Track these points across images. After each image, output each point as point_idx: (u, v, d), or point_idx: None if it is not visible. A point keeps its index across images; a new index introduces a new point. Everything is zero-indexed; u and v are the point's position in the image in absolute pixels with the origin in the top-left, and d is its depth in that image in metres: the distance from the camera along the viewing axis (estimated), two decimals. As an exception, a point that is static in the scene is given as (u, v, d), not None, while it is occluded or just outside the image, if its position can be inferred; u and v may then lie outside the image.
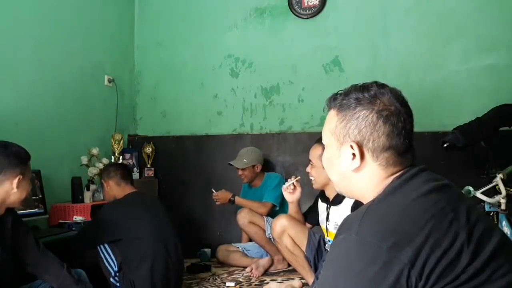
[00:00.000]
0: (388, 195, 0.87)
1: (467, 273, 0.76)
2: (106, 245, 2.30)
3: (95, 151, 3.03)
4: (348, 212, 2.06)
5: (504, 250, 0.81)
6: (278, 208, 3.13)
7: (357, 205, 1.81)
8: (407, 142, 0.91)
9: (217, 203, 3.20)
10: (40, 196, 2.58)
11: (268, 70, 3.58)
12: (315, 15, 3.47)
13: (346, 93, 0.95)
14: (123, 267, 2.26)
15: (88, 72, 3.36)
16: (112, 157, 3.36)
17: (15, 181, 1.65)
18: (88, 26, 3.35)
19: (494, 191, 2.19)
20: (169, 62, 3.86)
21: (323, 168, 1.04)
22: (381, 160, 0.91)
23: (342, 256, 0.82)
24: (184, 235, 2.54)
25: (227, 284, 2.72)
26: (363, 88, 0.93)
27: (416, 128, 0.95)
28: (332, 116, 0.96)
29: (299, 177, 2.44)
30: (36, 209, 2.54)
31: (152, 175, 3.70)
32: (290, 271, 2.95)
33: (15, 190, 1.66)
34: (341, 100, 0.95)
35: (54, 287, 1.82)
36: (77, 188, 2.92)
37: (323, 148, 1.02)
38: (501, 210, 2.14)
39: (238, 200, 3.18)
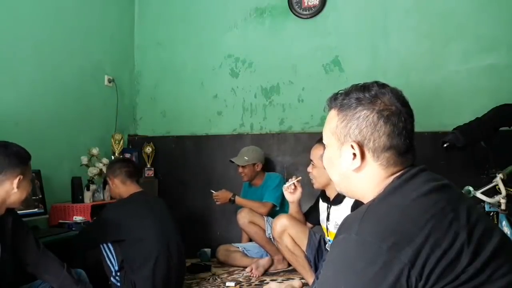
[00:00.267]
0: (388, 195, 0.87)
1: (467, 273, 0.76)
2: (109, 244, 2.29)
3: (95, 151, 3.03)
4: (349, 212, 2.06)
5: (504, 250, 0.81)
6: (278, 208, 3.13)
7: (357, 205, 1.81)
8: (408, 142, 0.91)
9: (217, 203, 3.20)
10: (40, 196, 2.58)
11: (268, 70, 3.58)
12: (315, 15, 3.48)
13: (347, 93, 0.95)
14: (125, 267, 2.26)
15: (88, 72, 3.36)
16: (112, 157, 3.36)
17: (16, 181, 1.65)
18: (88, 26, 3.35)
19: (494, 191, 2.19)
20: (169, 62, 3.86)
21: (324, 168, 1.04)
22: (381, 160, 0.91)
23: (342, 256, 0.82)
24: (184, 235, 2.53)
25: (227, 284, 2.72)
26: (364, 88, 0.93)
27: (416, 128, 0.95)
28: (333, 116, 0.96)
29: (300, 177, 2.44)
30: (36, 209, 2.53)
31: (152, 175, 3.70)
32: (290, 271, 2.95)
33: (15, 190, 1.66)
34: (342, 100, 0.95)
35: (54, 287, 1.82)
36: (77, 188, 2.92)
37: (324, 148, 1.02)
38: (501, 210, 2.14)
39: (239, 200, 3.17)
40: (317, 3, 3.46)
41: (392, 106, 0.91)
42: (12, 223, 1.74)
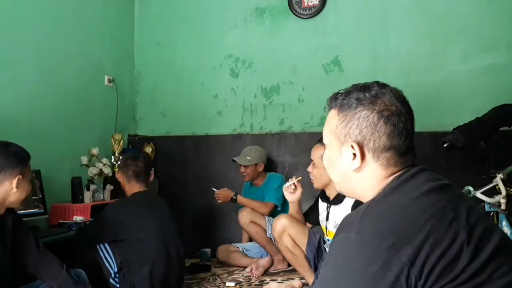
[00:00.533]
0: (388, 195, 0.87)
1: (467, 273, 0.76)
2: (106, 245, 2.28)
3: (95, 151, 3.03)
4: (348, 211, 2.06)
5: (504, 250, 0.81)
6: (280, 208, 3.13)
7: (357, 204, 1.81)
8: (408, 142, 0.91)
9: (218, 201, 3.19)
10: (40, 196, 2.58)
11: (268, 70, 3.58)
12: (315, 15, 3.47)
13: (347, 93, 0.95)
14: (123, 268, 2.25)
15: (88, 72, 3.36)
16: (112, 157, 3.36)
17: (15, 181, 1.65)
18: (88, 26, 3.35)
19: (494, 191, 2.20)
20: (169, 62, 3.85)
21: (325, 168, 1.04)
22: (381, 160, 0.91)
23: (341, 255, 0.82)
24: (184, 235, 2.53)
25: (227, 284, 2.72)
26: (364, 88, 0.93)
27: (416, 128, 0.95)
28: (333, 116, 0.96)
29: (300, 177, 2.44)
30: (36, 209, 2.53)
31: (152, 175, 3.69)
32: (290, 271, 2.95)
33: (15, 190, 1.66)
34: (342, 100, 0.95)
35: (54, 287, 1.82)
36: (77, 188, 2.92)
37: (325, 148, 1.02)
38: (501, 210, 2.15)
39: (240, 199, 3.16)
40: (317, 3, 3.46)
41: (392, 107, 0.91)
42: (12, 223, 1.74)
